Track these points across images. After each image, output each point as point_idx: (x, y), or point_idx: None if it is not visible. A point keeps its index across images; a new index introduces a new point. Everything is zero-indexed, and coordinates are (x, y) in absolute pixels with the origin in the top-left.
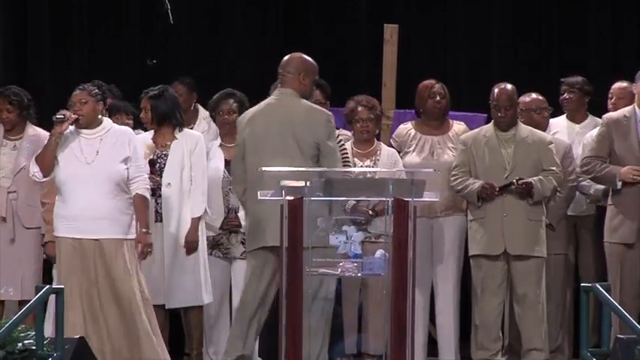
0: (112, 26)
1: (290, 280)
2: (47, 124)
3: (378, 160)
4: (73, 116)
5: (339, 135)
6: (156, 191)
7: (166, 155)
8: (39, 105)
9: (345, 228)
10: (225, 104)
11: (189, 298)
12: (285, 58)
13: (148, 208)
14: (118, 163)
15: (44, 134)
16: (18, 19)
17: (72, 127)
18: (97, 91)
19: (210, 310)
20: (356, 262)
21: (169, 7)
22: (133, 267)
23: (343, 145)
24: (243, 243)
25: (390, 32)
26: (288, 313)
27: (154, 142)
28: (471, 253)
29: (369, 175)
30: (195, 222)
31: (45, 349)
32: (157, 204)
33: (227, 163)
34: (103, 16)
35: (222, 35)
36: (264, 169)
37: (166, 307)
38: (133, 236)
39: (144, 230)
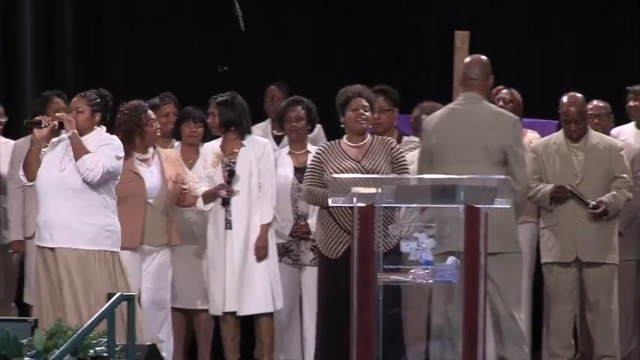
0: (184, 33)
1: (361, 287)
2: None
3: None
4: (51, 122)
5: (408, 141)
6: (227, 200)
7: (234, 163)
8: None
9: (416, 235)
10: (293, 111)
11: (261, 304)
12: (467, 61)
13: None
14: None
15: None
16: (89, 24)
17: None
18: (97, 100)
19: (280, 316)
20: (427, 269)
21: (241, 14)
22: (79, 280)
23: (402, 152)
24: (312, 250)
25: (462, 39)
26: (359, 321)
27: (221, 149)
28: (543, 260)
29: (439, 182)
30: (265, 228)
31: (116, 356)
32: (227, 212)
33: (296, 170)
34: (174, 22)
35: (289, 44)
36: (335, 175)
37: (238, 314)
38: (96, 247)
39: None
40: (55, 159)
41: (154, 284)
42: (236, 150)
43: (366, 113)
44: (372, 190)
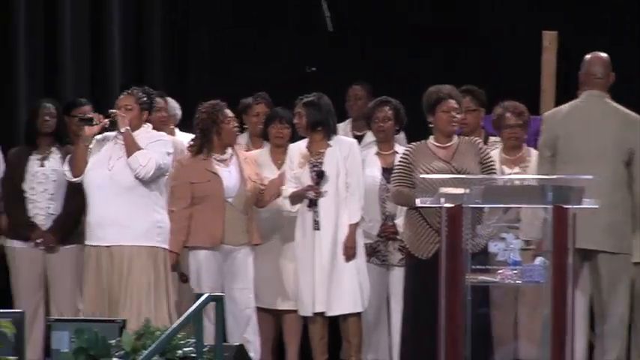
0: (272, 33)
1: (449, 287)
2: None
3: (527, 167)
4: (103, 121)
5: (495, 142)
6: (314, 201)
7: (321, 163)
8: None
9: (504, 235)
10: (381, 112)
11: (350, 304)
12: (587, 58)
13: (131, 146)
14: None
15: (180, 141)
16: (178, 28)
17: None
18: (145, 99)
19: (368, 316)
20: (515, 270)
21: (328, 15)
22: (134, 276)
23: (489, 153)
24: (400, 250)
25: (549, 39)
26: (447, 322)
27: (308, 150)
28: (634, 260)
29: (527, 183)
30: (353, 228)
31: (205, 356)
32: (315, 212)
33: (384, 170)
34: (264, 22)
35: (375, 44)
36: (423, 176)
37: (327, 315)
38: (148, 244)
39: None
40: (103, 157)
41: (236, 284)
42: (322, 150)
43: (457, 115)
44: (460, 191)
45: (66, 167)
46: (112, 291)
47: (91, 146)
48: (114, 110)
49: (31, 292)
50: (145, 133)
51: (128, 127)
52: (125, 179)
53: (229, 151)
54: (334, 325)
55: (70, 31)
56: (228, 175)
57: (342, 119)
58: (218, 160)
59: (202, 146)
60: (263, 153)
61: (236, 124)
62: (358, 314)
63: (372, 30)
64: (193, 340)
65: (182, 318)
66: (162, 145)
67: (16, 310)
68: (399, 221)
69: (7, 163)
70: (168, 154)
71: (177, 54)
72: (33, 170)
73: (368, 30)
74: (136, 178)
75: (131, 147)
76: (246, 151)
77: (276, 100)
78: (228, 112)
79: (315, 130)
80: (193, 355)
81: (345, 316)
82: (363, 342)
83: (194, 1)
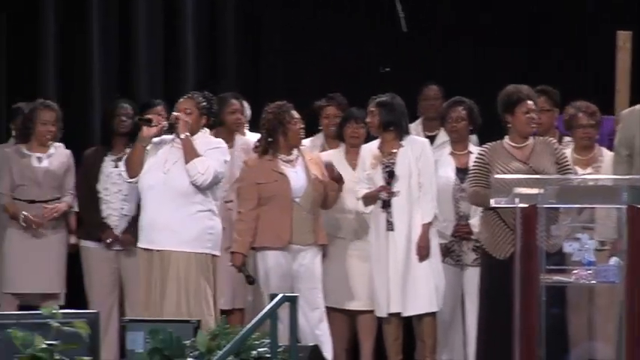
0: (346, 33)
1: (524, 288)
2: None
3: (600, 167)
4: (162, 123)
5: (569, 142)
6: (387, 202)
7: (393, 163)
8: None
9: (578, 235)
10: (455, 112)
11: (425, 305)
12: None
13: (190, 152)
14: (186, 175)
15: (252, 142)
16: (251, 23)
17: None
18: (204, 103)
19: (443, 316)
20: (590, 270)
21: (403, 15)
22: (182, 281)
23: (564, 153)
24: (474, 250)
25: (624, 39)
26: (522, 322)
27: (380, 150)
28: None
29: (601, 183)
30: (426, 228)
31: (279, 356)
32: (388, 213)
33: (458, 170)
34: (338, 22)
35: (455, 44)
36: (497, 176)
37: (402, 315)
38: (197, 250)
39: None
40: (159, 160)
41: (305, 284)
42: (395, 150)
43: (535, 116)
44: (535, 191)
45: (122, 168)
46: (161, 295)
47: (148, 148)
48: (177, 113)
49: (105, 292)
50: (202, 138)
51: (188, 133)
52: (180, 184)
53: (295, 151)
54: (409, 325)
55: (144, 31)
56: (295, 175)
57: (412, 119)
58: (284, 161)
59: (268, 147)
60: (338, 153)
61: (302, 126)
62: (433, 314)
63: (444, 30)
64: (268, 341)
65: (257, 318)
66: (220, 153)
67: (91, 311)
68: (473, 221)
69: (83, 163)
70: (225, 162)
71: (250, 56)
72: (107, 171)
73: (440, 30)
74: (193, 184)
75: (190, 153)
76: (322, 151)
77: (350, 100)
78: (295, 113)
79: (387, 130)
80: (268, 355)
81: (420, 317)
82: (437, 342)
83: (267, 7)
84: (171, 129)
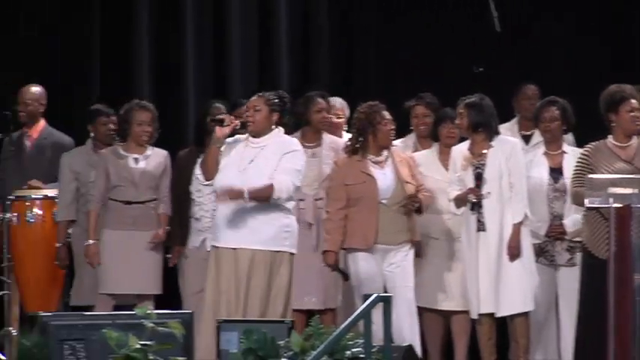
0: (439, 33)
1: (618, 287)
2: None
3: None
4: (234, 122)
5: None
6: (476, 203)
7: (483, 165)
8: None
9: None
10: (548, 112)
11: (518, 304)
12: None
13: (265, 193)
14: (265, 174)
15: (341, 142)
16: (345, 30)
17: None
18: (275, 100)
19: (537, 316)
20: None
21: (496, 15)
22: (265, 280)
23: None
24: (568, 250)
25: None
26: (616, 322)
27: (470, 152)
28: None
29: None
30: (517, 228)
31: (373, 357)
32: (480, 214)
33: (552, 170)
34: (431, 22)
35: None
36: (591, 176)
37: (496, 316)
38: (275, 248)
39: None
40: (234, 160)
41: (397, 283)
42: (484, 151)
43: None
44: (629, 191)
45: (198, 171)
46: (234, 294)
47: (222, 148)
48: (223, 115)
49: (199, 293)
50: (276, 137)
51: (246, 196)
52: (257, 183)
53: (385, 152)
54: (503, 325)
55: (238, 31)
56: (383, 176)
57: (504, 120)
58: (373, 162)
59: (358, 147)
60: (430, 154)
61: (392, 127)
62: (526, 314)
63: (537, 29)
64: (361, 341)
65: (351, 318)
66: (294, 162)
67: (185, 311)
68: (567, 221)
69: (176, 165)
70: (301, 168)
71: (343, 56)
72: (200, 172)
73: (533, 29)
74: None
75: (264, 195)
76: (414, 151)
77: (444, 100)
78: (386, 114)
79: (476, 131)
80: (362, 355)
81: (513, 316)
82: (531, 342)
83: (360, 7)
84: (244, 127)
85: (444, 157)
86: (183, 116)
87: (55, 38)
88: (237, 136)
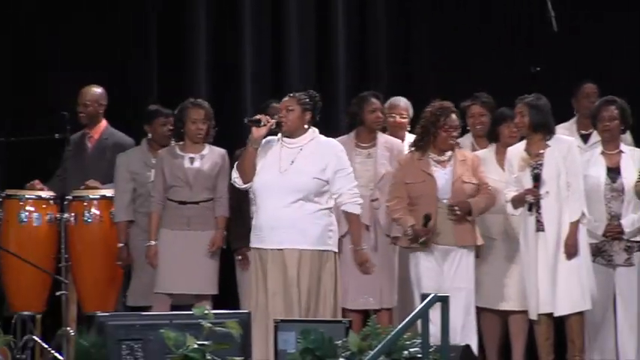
0: (494, 33)
1: None
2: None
3: None
4: (271, 121)
5: None
6: (534, 204)
7: (541, 165)
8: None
9: None
10: (607, 111)
11: (574, 304)
12: None
13: (359, 224)
14: (308, 174)
15: (397, 142)
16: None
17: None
18: (306, 100)
19: (594, 317)
20: None
21: (553, 14)
22: (313, 279)
23: None
24: (626, 250)
25: None
26: None
27: (526, 152)
28: None
29: None
30: (574, 226)
31: (430, 356)
32: (538, 214)
33: (609, 170)
34: (486, 22)
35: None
36: None
37: (555, 315)
38: (320, 247)
39: (357, 247)
40: (272, 161)
41: (456, 283)
42: (541, 151)
43: None
44: None
45: (235, 174)
46: (282, 295)
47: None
48: (260, 116)
49: None
50: (312, 137)
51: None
52: (297, 183)
53: (449, 152)
54: (560, 325)
55: (296, 29)
56: (443, 176)
57: (560, 120)
58: (435, 161)
59: (421, 146)
60: (487, 154)
61: (455, 133)
62: (581, 313)
63: (595, 29)
64: (419, 341)
65: (408, 318)
66: (348, 164)
67: (242, 311)
68: (625, 221)
69: (233, 164)
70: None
71: (400, 55)
72: (237, 175)
73: (591, 29)
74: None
75: (359, 231)
76: (472, 151)
77: (501, 100)
78: (451, 119)
79: (536, 131)
80: (419, 355)
81: (568, 316)
82: (588, 342)
83: (417, 5)
84: (279, 127)
85: (501, 157)
86: (240, 115)
87: (113, 38)
88: (269, 138)
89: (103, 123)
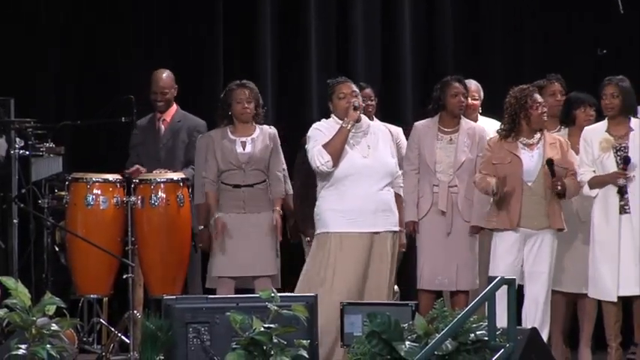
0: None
1: None
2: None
3: None
4: (362, 105)
5: None
6: (624, 187)
7: (626, 147)
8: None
9: None
10: None
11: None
12: None
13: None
14: (390, 157)
15: (480, 128)
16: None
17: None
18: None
19: None
20: None
21: None
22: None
23: None
24: None
25: None
26: None
27: (610, 134)
28: None
29: None
30: None
31: (497, 339)
32: (624, 196)
33: None
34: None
35: None
36: None
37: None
38: (395, 229)
39: (400, 229)
40: (353, 145)
41: (535, 267)
42: (624, 133)
43: None
44: None
45: (325, 158)
46: (377, 276)
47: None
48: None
49: None
50: (372, 122)
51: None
52: (386, 167)
53: (537, 135)
54: (626, 308)
55: (361, 17)
56: (530, 158)
57: None
58: (523, 144)
59: (511, 130)
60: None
61: (545, 110)
62: None
63: None
64: (486, 324)
65: (475, 301)
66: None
67: (309, 294)
68: None
69: (303, 148)
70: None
71: (468, 40)
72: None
73: None
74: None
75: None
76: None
77: (568, 83)
78: (537, 98)
79: (623, 113)
80: (485, 338)
81: (635, 298)
82: None
83: None
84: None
85: (575, 140)
86: (307, 101)
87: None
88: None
89: (174, 106)
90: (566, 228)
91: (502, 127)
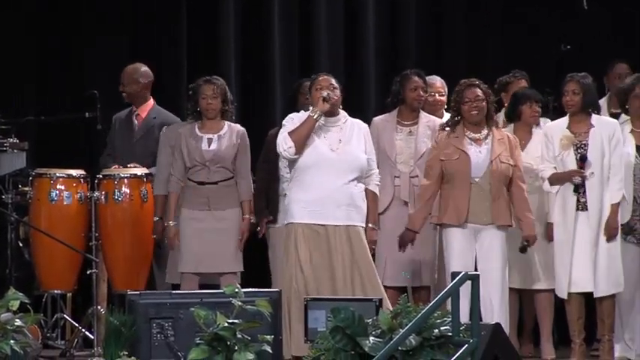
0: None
1: None
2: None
3: None
4: (334, 98)
5: None
6: (580, 185)
7: (585, 145)
8: None
9: None
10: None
11: (613, 285)
12: None
13: (376, 203)
14: (361, 153)
15: (439, 121)
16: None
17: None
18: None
19: (624, 296)
20: None
21: None
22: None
23: None
24: None
25: None
26: None
27: (570, 130)
28: None
29: None
30: (615, 208)
31: (461, 335)
32: (579, 194)
33: (638, 148)
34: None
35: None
36: None
37: (595, 296)
38: (360, 223)
39: (371, 226)
40: (316, 138)
41: (487, 263)
42: (585, 131)
43: None
44: None
45: (288, 143)
46: (343, 271)
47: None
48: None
49: None
50: (345, 118)
51: None
52: (354, 162)
53: (485, 130)
54: (590, 304)
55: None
56: (477, 154)
57: None
58: (470, 139)
59: (454, 125)
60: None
61: (475, 105)
62: (612, 294)
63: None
64: (449, 319)
65: (438, 297)
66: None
67: (273, 290)
68: None
69: (267, 143)
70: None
71: (432, 37)
72: (286, 145)
73: (619, 6)
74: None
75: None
76: (503, 128)
77: (532, 78)
78: (469, 93)
79: (584, 110)
80: (449, 334)
81: (601, 297)
82: (619, 321)
83: None
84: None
85: (521, 136)
86: (271, 96)
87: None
88: (293, 115)
89: (150, 102)
90: (513, 224)
91: (448, 121)
